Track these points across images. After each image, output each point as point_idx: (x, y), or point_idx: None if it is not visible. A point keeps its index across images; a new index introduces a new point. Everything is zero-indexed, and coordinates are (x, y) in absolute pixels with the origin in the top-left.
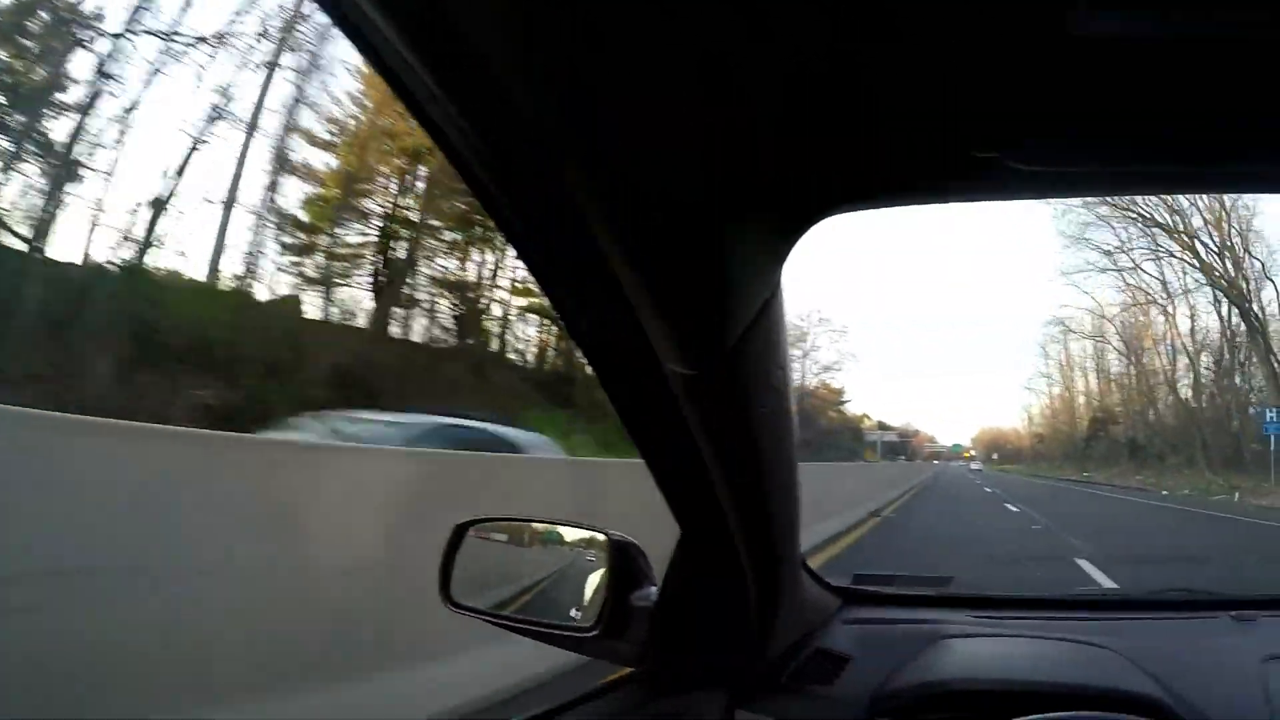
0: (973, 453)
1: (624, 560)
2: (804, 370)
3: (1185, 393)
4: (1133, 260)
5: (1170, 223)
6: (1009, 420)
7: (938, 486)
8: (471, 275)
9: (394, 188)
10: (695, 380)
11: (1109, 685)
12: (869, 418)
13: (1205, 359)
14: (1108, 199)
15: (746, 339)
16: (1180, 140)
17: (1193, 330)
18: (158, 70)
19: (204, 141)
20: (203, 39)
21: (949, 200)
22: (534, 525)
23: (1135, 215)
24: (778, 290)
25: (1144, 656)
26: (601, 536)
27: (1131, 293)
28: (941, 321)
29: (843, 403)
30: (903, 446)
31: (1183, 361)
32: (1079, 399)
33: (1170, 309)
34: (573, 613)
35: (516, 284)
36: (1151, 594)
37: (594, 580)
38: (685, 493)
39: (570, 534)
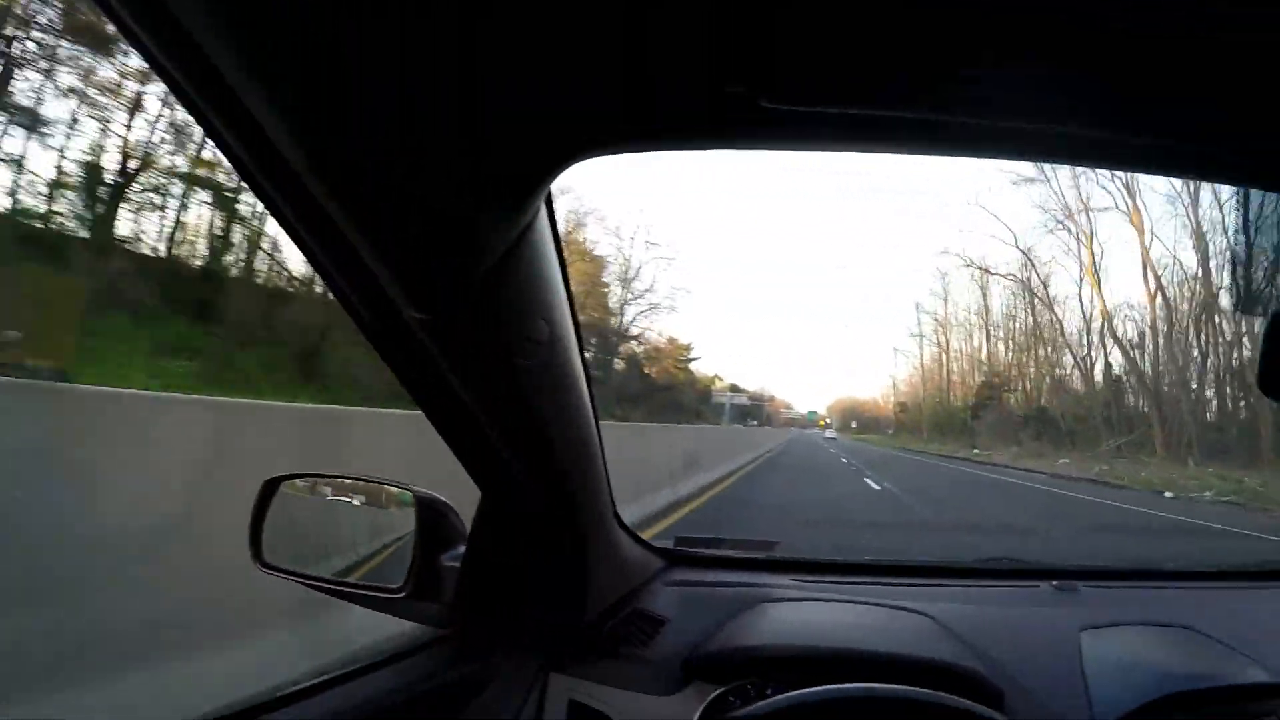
0: (828, 420)
1: (432, 518)
2: (623, 307)
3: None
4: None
5: None
6: (870, 390)
7: (790, 453)
8: None
9: None
10: (435, 326)
11: (923, 654)
12: (720, 379)
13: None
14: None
15: (490, 285)
16: (946, 91)
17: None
18: None
19: None
20: None
21: (709, 145)
22: (346, 482)
23: None
24: (527, 238)
25: (962, 623)
26: (409, 494)
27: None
28: (805, 282)
29: (690, 360)
30: (757, 411)
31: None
32: (962, 363)
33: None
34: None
35: None
36: (977, 562)
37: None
38: (472, 450)
39: (380, 491)
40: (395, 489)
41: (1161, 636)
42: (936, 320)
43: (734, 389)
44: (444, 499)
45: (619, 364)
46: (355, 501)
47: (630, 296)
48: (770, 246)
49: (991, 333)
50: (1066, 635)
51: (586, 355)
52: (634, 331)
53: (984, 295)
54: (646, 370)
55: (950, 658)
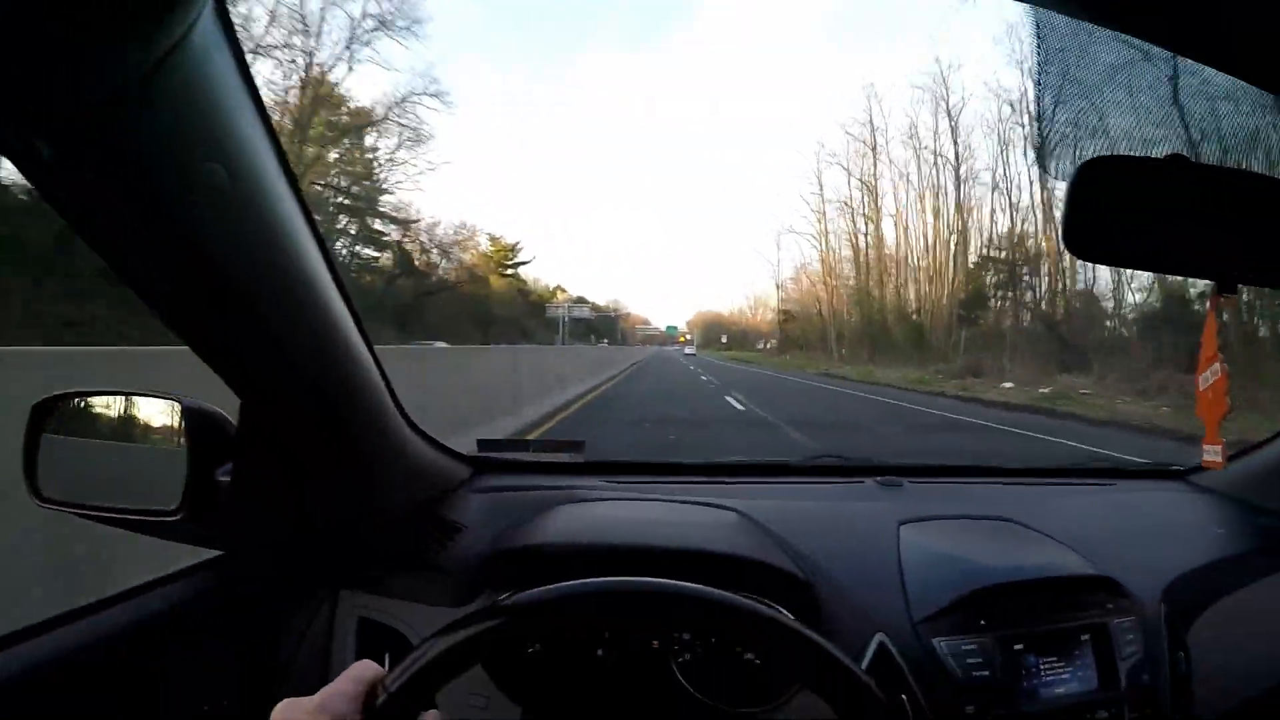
0: (688, 336)
1: (205, 432)
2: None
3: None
4: None
5: None
6: (738, 301)
7: (647, 373)
8: None
9: None
10: (62, 167)
11: (723, 548)
12: (564, 290)
13: None
14: None
15: (116, 114)
16: None
17: None
18: None
19: None
20: None
21: None
22: (121, 397)
23: None
24: (183, 57)
25: (776, 519)
26: (178, 405)
27: None
28: (665, 178)
29: (517, 263)
30: (607, 327)
31: None
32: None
33: None
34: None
35: None
36: (803, 460)
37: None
38: (206, 344)
39: (150, 405)
40: (164, 401)
41: (983, 529)
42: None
43: (580, 301)
44: (218, 410)
45: (387, 259)
46: (141, 417)
47: (398, 154)
48: (624, 133)
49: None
50: (885, 529)
51: (318, 222)
52: (410, 207)
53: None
54: (443, 272)
55: (749, 551)
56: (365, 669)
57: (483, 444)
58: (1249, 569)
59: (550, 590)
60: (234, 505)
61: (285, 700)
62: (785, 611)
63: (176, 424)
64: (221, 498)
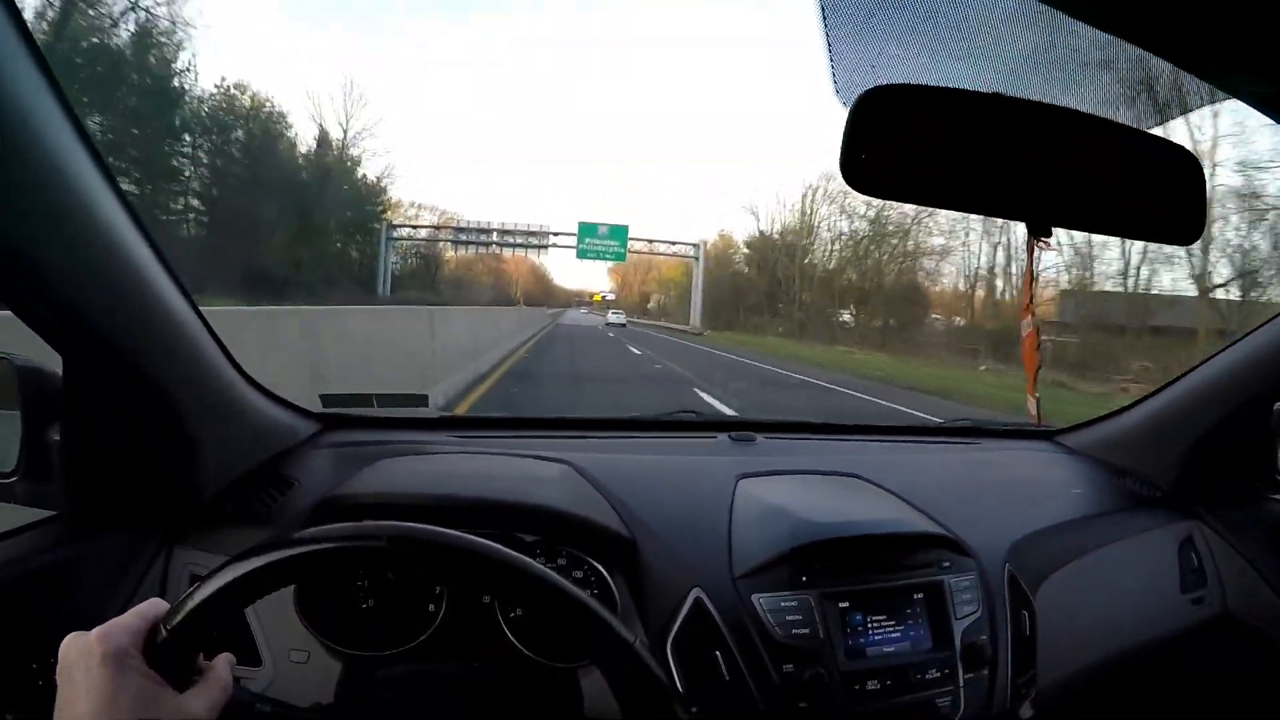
0: (606, 294)
1: (37, 390)
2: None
3: None
4: None
5: None
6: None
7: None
8: None
9: None
10: None
11: (539, 501)
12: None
13: None
14: None
15: None
16: None
17: None
18: None
19: None
20: None
21: None
22: None
23: None
24: None
25: (610, 473)
26: (10, 364)
27: None
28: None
29: (380, 205)
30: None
31: None
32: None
33: None
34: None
35: None
36: (659, 415)
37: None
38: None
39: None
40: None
41: (825, 485)
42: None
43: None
44: (56, 370)
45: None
46: None
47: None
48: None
49: None
50: (723, 484)
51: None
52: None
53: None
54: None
55: (570, 506)
56: (153, 606)
57: (326, 399)
58: (1105, 530)
59: (318, 531)
60: (64, 465)
61: (73, 633)
62: (531, 560)
63: (9, 383)
64: (55, 458)
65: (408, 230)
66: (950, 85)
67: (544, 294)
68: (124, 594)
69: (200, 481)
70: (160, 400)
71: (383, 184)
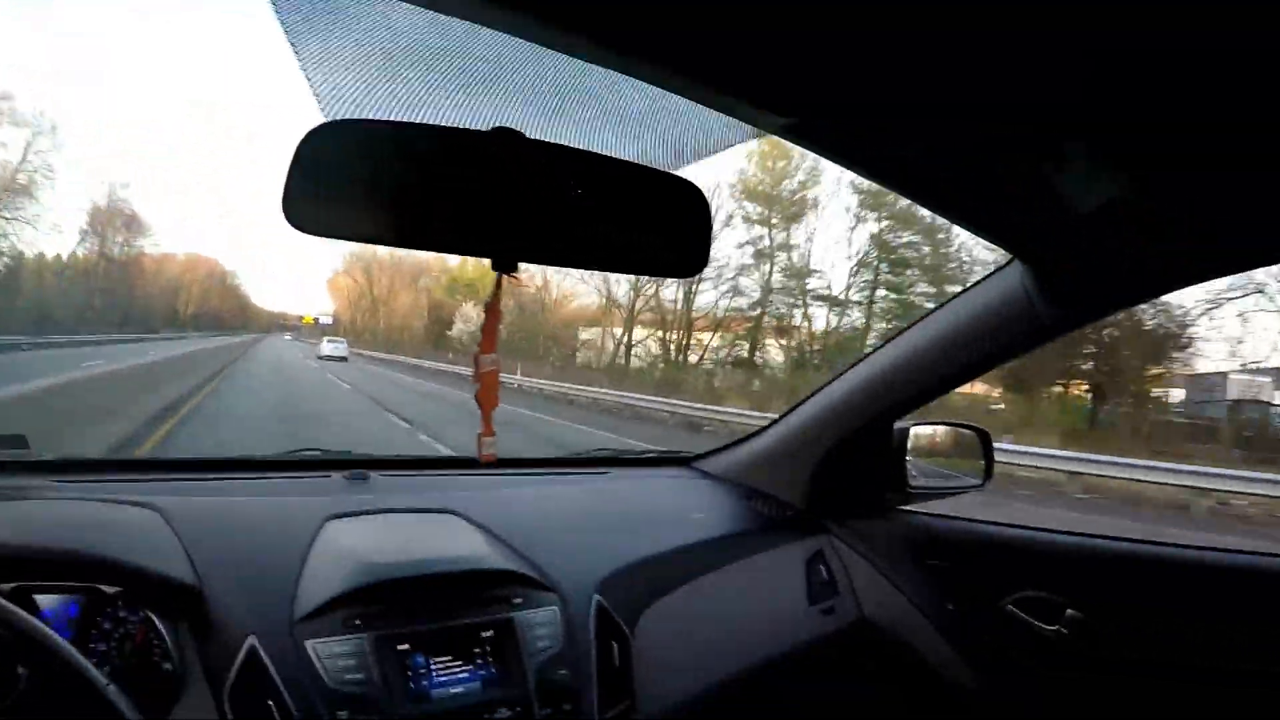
0: (321, 317)
1: None
2: None
3: None
4: None
5: None
6: None
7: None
8: None
9: None
10: None
11: (99, 552)
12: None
13: None
14: None
15: None
16: None
17: None
18: None
19: None
20: None
21: None
22: None
23: None
24: None
25: (197, 519)
26: None
27: None
28: None
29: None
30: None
31: None
32: None
33: None
34: None
35: None
36: (280, 455)
37: None
38: None
39: None
40: None
41: (413, 523)
42: None
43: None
44: None
45: None
46: None
47: None
48: None
49: None
50: (307, 526)
51: None
52: None
53: None
54: None
55: (129, 555)
56: None
57: None
58: (730, 551)
59: None
60: None
61: None
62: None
63: None
64: None
65: None
66: (428, 121)
67: (237, 314)
68: None
69: None
70: None
71: None
